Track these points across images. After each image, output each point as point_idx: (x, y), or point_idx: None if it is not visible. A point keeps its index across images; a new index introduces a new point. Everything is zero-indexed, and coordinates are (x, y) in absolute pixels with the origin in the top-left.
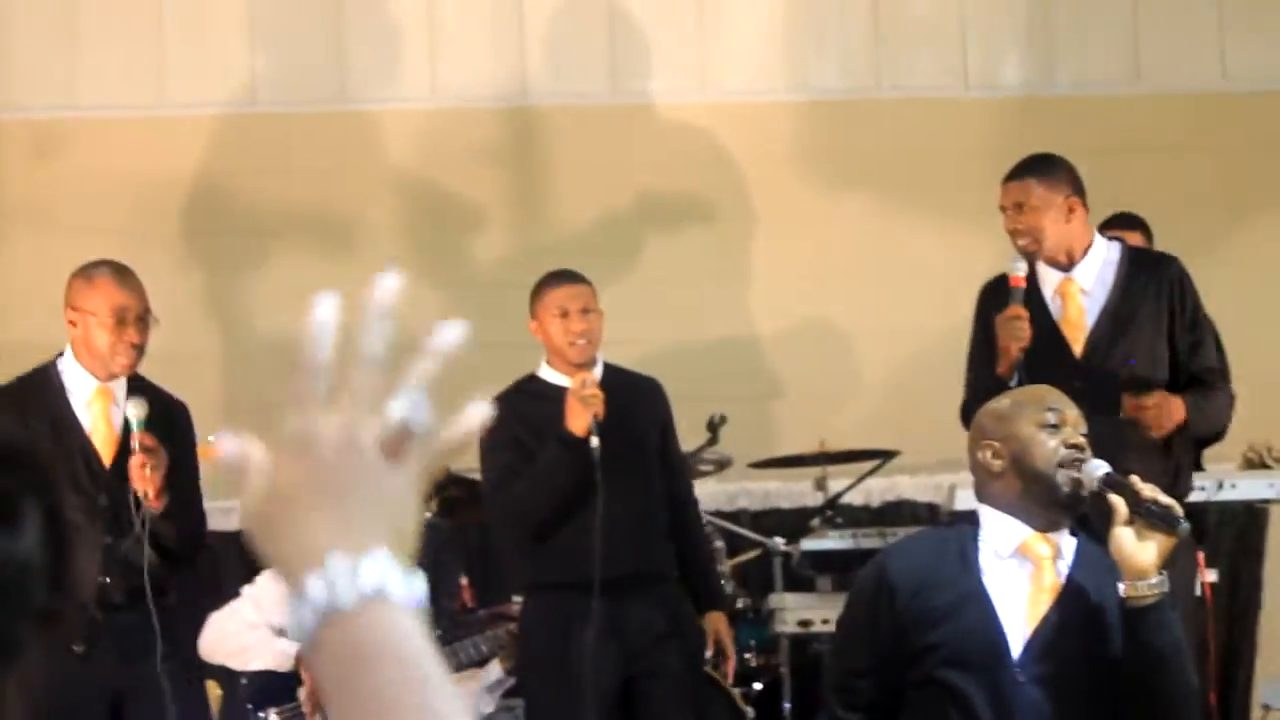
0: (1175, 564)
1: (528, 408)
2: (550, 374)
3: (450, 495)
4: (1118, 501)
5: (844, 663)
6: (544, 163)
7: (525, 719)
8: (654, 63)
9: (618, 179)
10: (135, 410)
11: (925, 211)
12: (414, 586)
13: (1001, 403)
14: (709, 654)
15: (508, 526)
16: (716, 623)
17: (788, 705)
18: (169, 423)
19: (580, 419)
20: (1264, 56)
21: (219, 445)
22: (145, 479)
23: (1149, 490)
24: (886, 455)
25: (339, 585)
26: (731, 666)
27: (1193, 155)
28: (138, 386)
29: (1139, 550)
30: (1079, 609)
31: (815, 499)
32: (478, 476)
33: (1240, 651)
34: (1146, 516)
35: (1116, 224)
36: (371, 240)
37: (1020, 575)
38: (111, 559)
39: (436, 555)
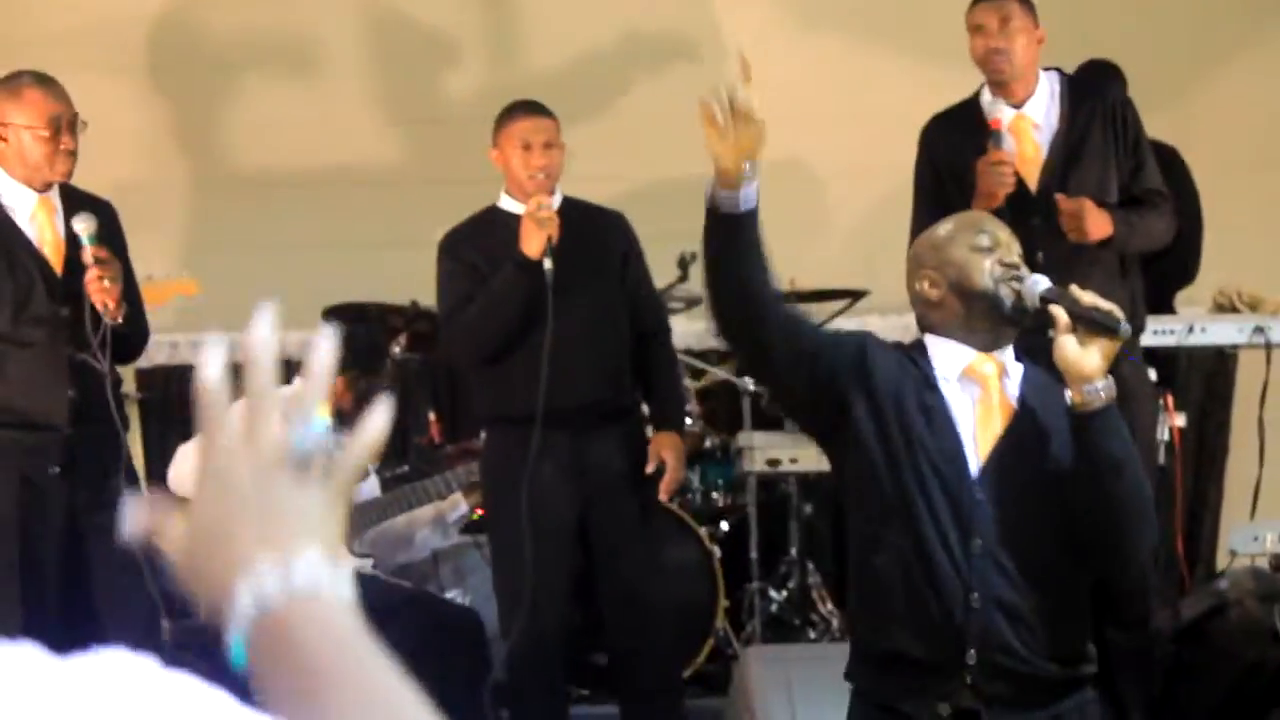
0: (1139, 407)
1: (485, 236)
2: (509, 203)
3: (419, 330)
4: (1059, 311)
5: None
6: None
7: (490, 554)
8: None
9: (592, 14)
10: (85, 225)
11: (894, 51)
12: (345, 584)
13: (934, 232)
14: (650, 468)
15: (461, 350)
16: (662, 441)
17: (754, 546)
18: (105, 226)
19: (534, 240)
20: None
21: (129, 519)
22: (104, 291)
23: (1088, 297)
24: (856, 295)
25: (268, 585)
26: (668, 483)
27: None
28: (70, 196)
29: (1083, 356)
30: (1032, 429)
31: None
32: None
33: (1207, 496)
34: (1087, 323)
35: (1091, 69)
36: (338, 71)
37: (967, 397)
38: (80, 373)
39: (405, 390)
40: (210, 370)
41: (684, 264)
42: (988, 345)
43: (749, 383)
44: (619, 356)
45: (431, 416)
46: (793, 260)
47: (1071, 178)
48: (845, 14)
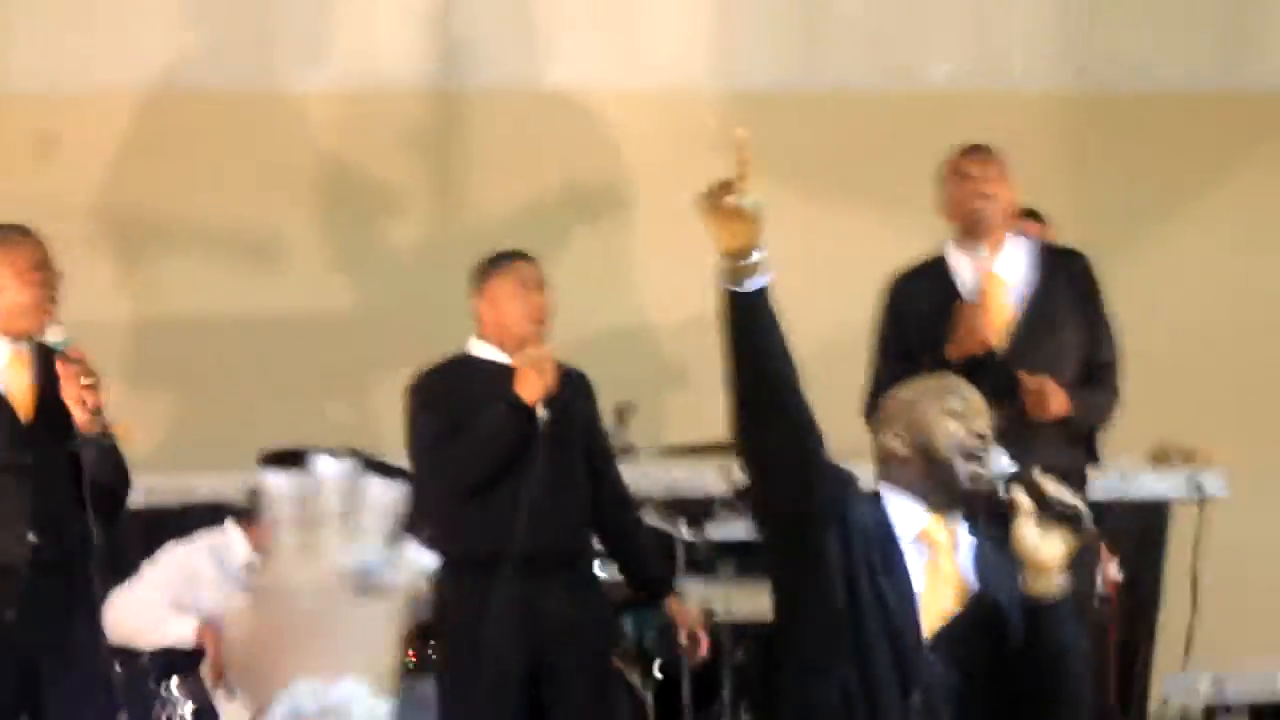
0: (1083, 561)
1: (460, 382)
2: (483, 349)
3: None
4: (1022, 497)
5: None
6: (464, 148)
7: (438, 700)
8: (576, 48)
9: (537, 166)
10: (56, 335)
11: (844, 204)
12: (380, 712)
13: (908, 389)
14: (683, 639)
15: (444, 485)
16: (688, 612)
17: (686, 691)
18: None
19: (533, 387)
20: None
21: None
22: (82, 390)
23: (1054, 487)
24: None
25: (303, 701)
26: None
27: (1104, 157)
28: (39, 348)
29: (1043, 546)
30: (983, 610)
31: (719, 487)
32: (385, 460)
33: (1139, 647)
34: (1051, 513)
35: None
36: (289, 222)
37: (919, 559)
38: (40, 519)
39: None
40: (278, 489)
41: (621, 414)
42: (941, 510)
43: (684, 530)
44: (582, 508)
45: None
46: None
47: (1044, 341)
48: (792, 166)
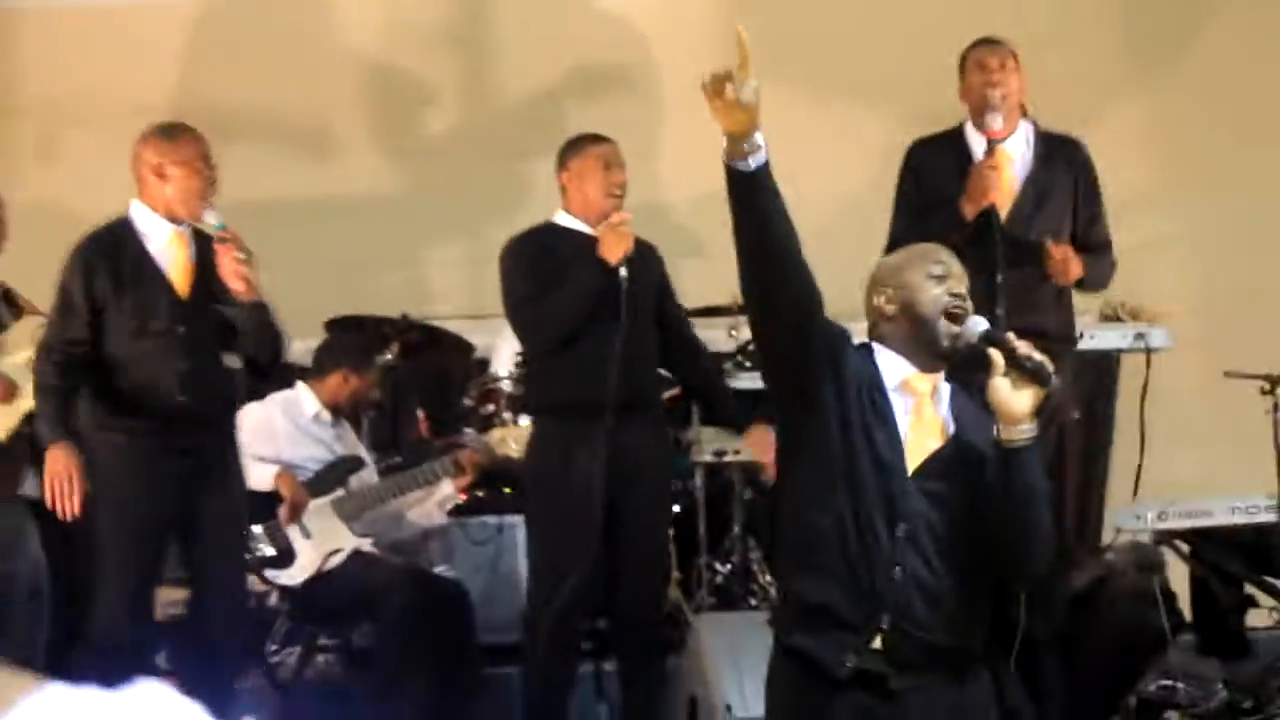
0: (1062, 406)
1: (547, 246)
2: (567, 220)
3: (409, 340)
4: (996, 354)
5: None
6: (492, 43)
7: (526, 531)
8: None
9: (559, 56)
10: (212, 218)
11: (832, 93)
12: None
13: (895, 255)
14: (767, 465)
15: (536, 335)
16: (761, 434)
17: (702, 525)
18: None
19: (616, 249)
20: None
21: None
22: (240, 264)
23: (1024, 347)
24: None
25: None
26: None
27: (1069, 41)
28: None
29: (1014, 398)
30: (962, 448)
31: (728, 345)
32: (434, 323)
33: (1094, 480)
34: (1021, 370)
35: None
36: (335, 115)
37: (902, 406)
38: (190, 382)
39: (397, 392)
40: None
41: None
42: (924, 367)
43: None
44: (652, 358)
45: (421, 415)
46: (734, 276)
47: (1037, 215)
48: (783, 57)
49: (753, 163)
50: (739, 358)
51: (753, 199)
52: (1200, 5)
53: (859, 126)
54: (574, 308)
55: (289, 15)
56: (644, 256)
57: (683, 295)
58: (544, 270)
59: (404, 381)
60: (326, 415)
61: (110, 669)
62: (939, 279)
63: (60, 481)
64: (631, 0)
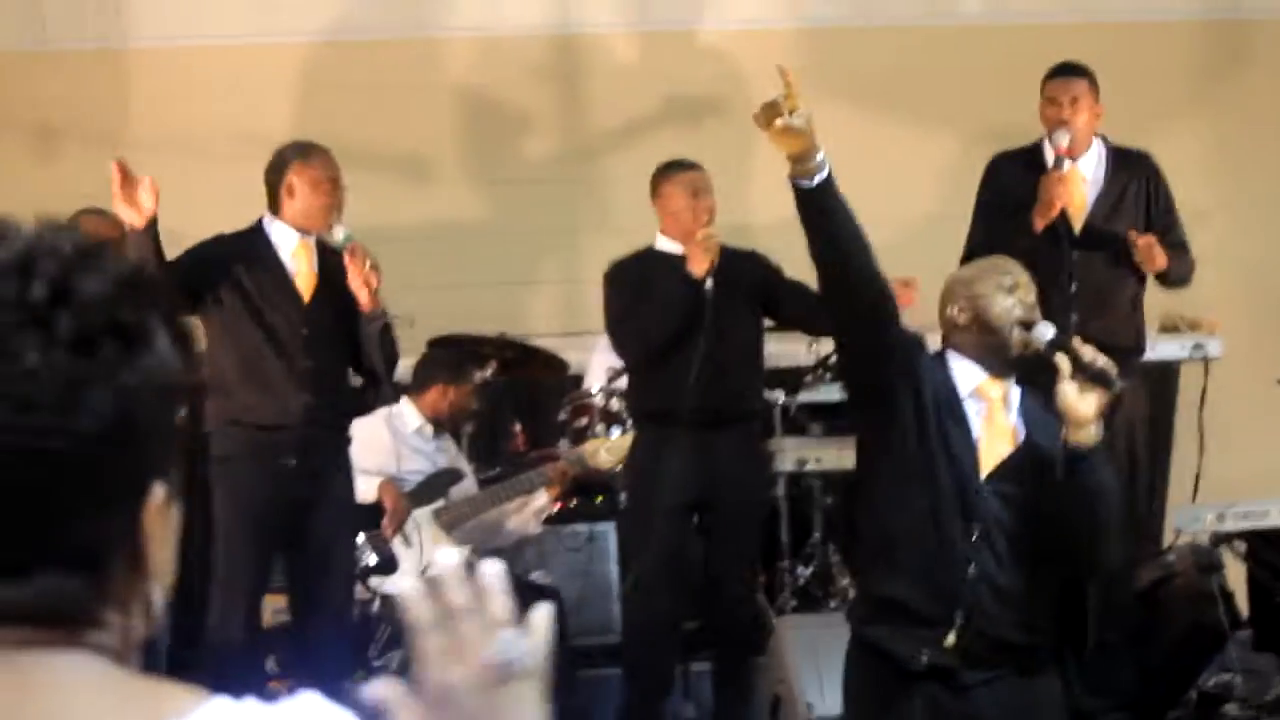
0: (1134, 415)
1: (643, 268)
2: (665, 244)
3: (507, 357)
4: (1063, 360)
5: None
6: (581, 81)
7: (617, 530)
8: None
9: (644, 95)
10: (340, 231)
11: (899, 120)
12: None
13: (968, 268)
14: None
15: (631, 348)
16: None
17: (784, 530)
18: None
19: (700, 262)
20: None
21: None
22: (364, 276)
23: (1089, 352)
24: None
25: None
26: None
27: (1118, 77)
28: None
29: (1080, 403)
30: (1034, 454)
31: (808, 359)
32: (530, 342)
33: (1155, 484)
34: (1086, 374)
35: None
36: (438, 147)
37: (975, 411)
38: (312, 381)
39: (494, 406)
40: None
41: None
42: (996, 373)
43: (780, 396)
44: (751, 370)
45: (517, 428)
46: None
47: (1110, 228)
48: (856, 90)
49: (815, 179)
50: (819, 370)
51: (818, 211)
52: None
53: (926, 148)
54: (661, 319)
55: (393, 53)
56: (737, 264)
57: None
58: (639, 290)
59: (501, 397)
60: (429, 429)
61: (225, 670)
62: (1009, 290)
63: None
64: (719, 34)
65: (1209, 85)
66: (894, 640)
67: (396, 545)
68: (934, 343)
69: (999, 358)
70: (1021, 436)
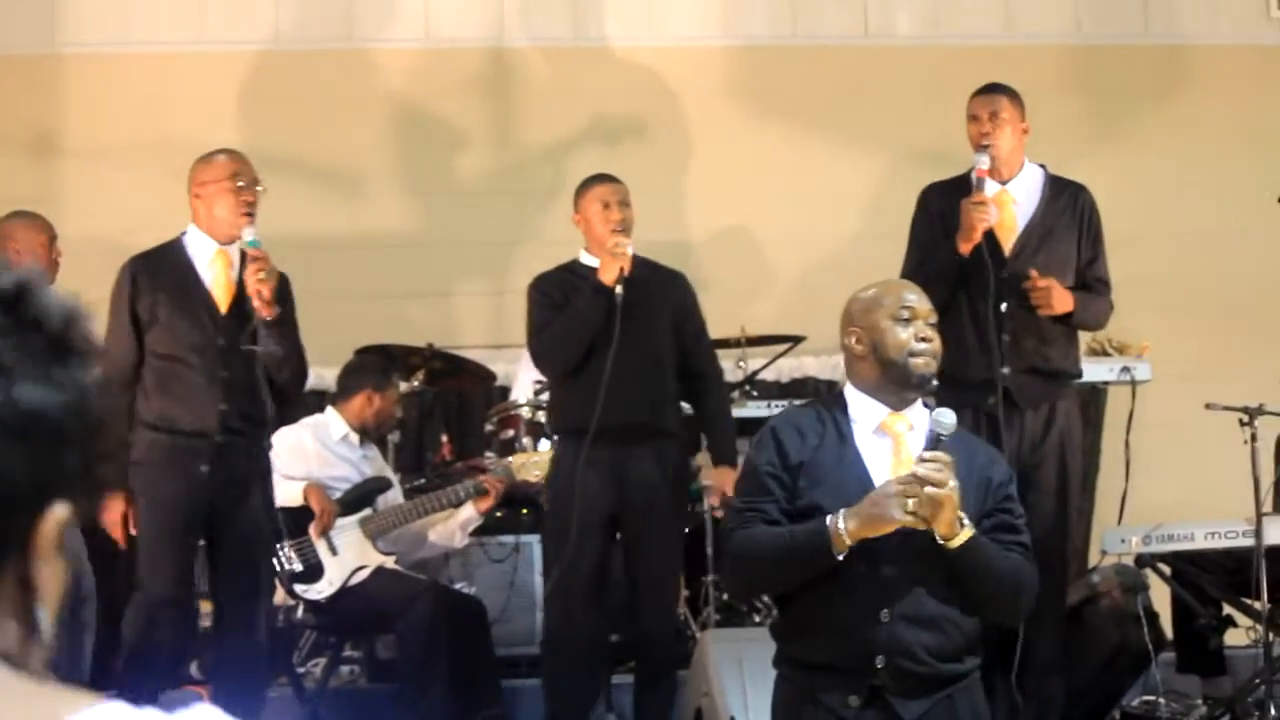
0: (1071, 432)
1: (566, 281)
2: (587, 259)
3: (435, 367)
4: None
5: (750, 498)
6: (515, 94)
7: (542, 538)
8: (608, 10)
9: (577, 108)
10: (250, 232)
11: (830, 139)
12: None
13: (865, 294)
14: (715, 503)
15: (547, 360)
16: (722, 477)
17: (710, 542)
18: (280, 286)
19: (610, 270)
20: (1114, 12)
21: None
22: (258, 283)
23: (929, 475)
24: (795, 340)
25: None
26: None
27: (1053, 96)
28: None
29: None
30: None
31: (736, 375)
32: (458, 353)
33: (1082, 505)
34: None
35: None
36: (371, 158)
37: (882, 447)
38: (229, 391)
39: (422, 416)
40: None
41: None
42: (898, 405)
43: None
44: (663, 388)
45: (444, 438)
46: (743, 310)
47: (1041, 251)
48: (789, 108)
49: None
50: (746, 387)
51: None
52: (1190, 59)
53: (856, 167)
54: (571, 330)
55: (327, 63)
56: (659, 282)
57: None
58: (558, 303)
59: (428, 407)
60: (354, 437)
61: (144, 672)
62: (905, 321)
63: (112, 531)
64: (653, 50)
65: (1145, 109)
66: (823, 690)
67: (322, 553)
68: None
69: (898, 389)
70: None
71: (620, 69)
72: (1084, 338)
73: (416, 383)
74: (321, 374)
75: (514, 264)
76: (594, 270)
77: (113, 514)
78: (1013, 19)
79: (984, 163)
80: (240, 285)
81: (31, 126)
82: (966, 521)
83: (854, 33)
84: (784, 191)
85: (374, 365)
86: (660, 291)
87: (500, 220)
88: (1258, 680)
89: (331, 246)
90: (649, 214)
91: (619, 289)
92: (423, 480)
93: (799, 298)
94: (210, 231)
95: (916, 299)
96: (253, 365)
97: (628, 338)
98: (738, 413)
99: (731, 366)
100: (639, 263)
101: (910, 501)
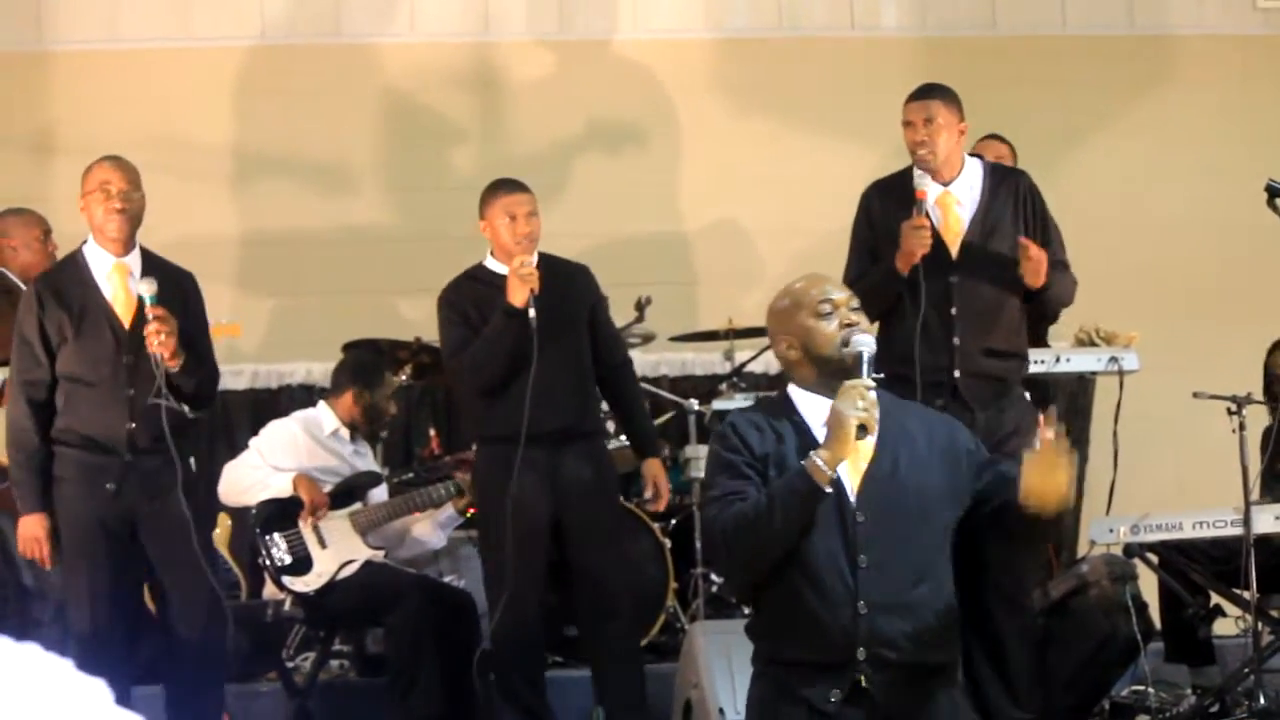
0: (1022, 428)
1: (475, 292)
2: (494, 264)
3: (422, 362)
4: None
5: (727, 486)
6: (504, 89)
7: (479, 549)
8: (594, 5)
9: (564, 101)
10: (147, 288)
11: (817, 131)
12: None
13: (782, 302)
14: (647, 494)
15: (465, 384)
16: (652, 468)
17: (698, 536)
18: (180, 291)
19: (519, 293)
20: (1100, 3)
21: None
22: (161, 344)
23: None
24: None
25: None
26: (664, 503)
27: (1038, 87)
28: (151, 264)
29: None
30: (891, 456)
31: (724, 367)
32: None
33: (1070, 496)
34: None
35: (988, 140)
36: (360, 153)
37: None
38: (136, 408)
39: (409, 410)
40: None
41: (640, 306)
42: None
43: (694, 404)
44: (587, 388)
45: (432, 432)
46: (730, 302)
47: (989, 248)
48: (776, 101)
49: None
50: (734, 379)
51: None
52: (1176, 50)
53: (843, 159)
54: (488, 355)
55: (314, 59)
56: (567, 281)
57: (681, 320)
58: (470, 317)
59: (415, 400)
60: (345, 432)
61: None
62: (829, 315)
63: (31, 549)
64: (637, 44)
65: (1131, 99)
66: (803, 685)
67: (311, 545)
68: None
69: (841, 378)
70: (871, 447)
71: (607, 64)
72: (1071, 327)
73: (404, 377)
74: (311, 368)
75: None
76: (502, 278)
77: (29, 531)
78: (999, 11)
79: (925, 183)
80: (141, 300)
81: (21, 124)
82: None
83: (840, 24)
84: (771, 184)
85: (363, 362)
86: (572, 291)
87: None
88: (1246, 670)
89: (320, 241)
90: (636, 207)
91: (531, 311)
92: (410, 474)
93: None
94: (100, 243)
95: (833, 290)
96: (163, 378)
97: (547, 344)
98: (725, 404)
99: (719, 359)
100: (544, 263)
101: (859, 402)
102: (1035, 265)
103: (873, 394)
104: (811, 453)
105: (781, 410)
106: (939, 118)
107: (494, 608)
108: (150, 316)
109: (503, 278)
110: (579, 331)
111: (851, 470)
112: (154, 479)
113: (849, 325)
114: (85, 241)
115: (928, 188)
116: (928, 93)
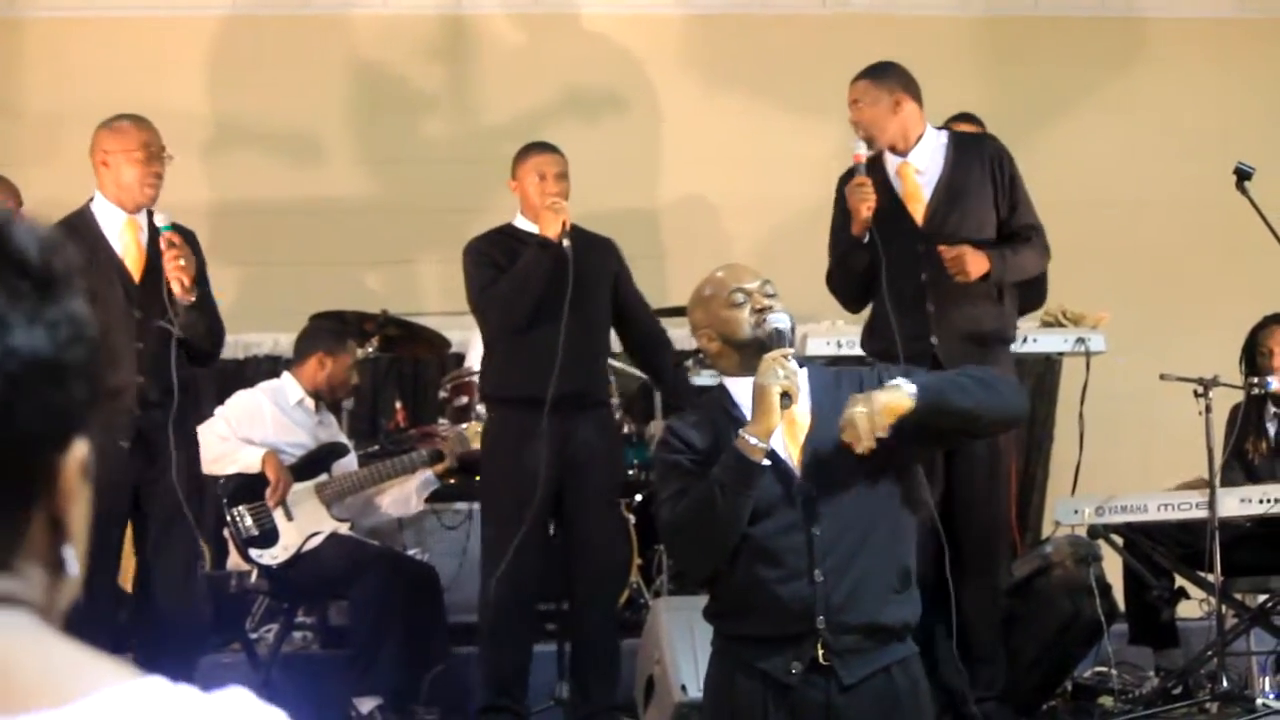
0: None
1: (505, 243)
2: (523, 223)
3: (389, 334)
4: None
5: (673, 487)
6: (475, 60)
7: (481, 511)
8: None
9: (536, 76)
10: (163, 217)
11: (787, 108)
12: None
13: (697, 295)
14: None
15: (494, 319)
16: None
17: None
18: (189, 244)
19: (553, 224)
20: None
21: None
22: (179, 269)
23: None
24: None
25: None
26: None
27: (1010, 66)
28: (153, 220)
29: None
30: (829, 427)
31: (690, 343)
32: (412, 319)
33: (1036, 476)
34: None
35: (958, 120)
36: (330, 124)
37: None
38: (145, 362)
39: (375, 383)
40: None
41: None
42: None
43: None
44: (603, 356)
45: (398, 405)
46: (699, 277)
47: (954, 213)
48: (747, 76)
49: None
50: (700, 355)
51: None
52: (1148, 31)
53: (815, 136)
54: (520, 285)
55: (287, 28)
56: (595, 249)
57: (651, 295)
58: (499, 264)
59: (382, 373)
60: (310, 403)
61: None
62: (740, 304)
63: None
64: (609, 18)
65: (1103, 80)
66: (762, 659)
67: (278, 518)
68: (820, 333)
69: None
70: (815, 417)
71: (579, 37)
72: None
73: (371, 349)
74: (278, 339)
75: (472, 231)
76: (531, 235)
77: None
78: None
79: (860, 148)
80: (150, 254)
81: None
82: (903, 385)
83: (812, 1)
84: (741, 159)
85: (327, 330)
86: (596, 259)
87: (459, 187)
88: (1210, 652)
89: (290, 212)
90: (608, 181)
91: (566, 240)
92: (376, 447)
93: (757, 266)
94: (117, 201)
95: (742, 279)
96: (166, 338)
97: (576, 293)
98: (691, 380)
99: (686, 334)
100: (573, 232)
101: (779, 370)
102: (954, 264)
103: (793, 363)
104: (740, 429)
105: (718, 403)
106: (863, 99)
107: (488, 577)
108: (166, 244)
109: (532, 235)
110: (600, 301)
111: (791, 444)
112: (159, 439)
113: (762, 310)
114: (91, 199)
115: (887, 159)
116: (858, 75)
